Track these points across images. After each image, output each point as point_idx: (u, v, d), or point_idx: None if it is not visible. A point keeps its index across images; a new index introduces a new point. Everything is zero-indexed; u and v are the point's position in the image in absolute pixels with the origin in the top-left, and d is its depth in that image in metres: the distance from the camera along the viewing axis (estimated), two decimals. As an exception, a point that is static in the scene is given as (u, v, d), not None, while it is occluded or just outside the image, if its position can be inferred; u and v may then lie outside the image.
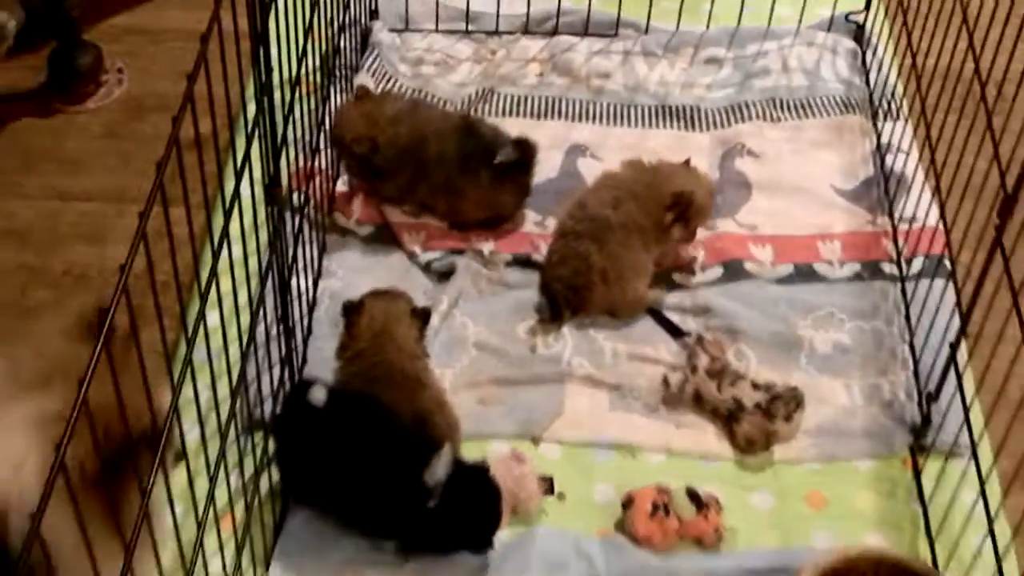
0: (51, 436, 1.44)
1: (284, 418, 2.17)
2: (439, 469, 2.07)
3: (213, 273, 1.65)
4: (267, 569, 2.15)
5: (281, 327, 2.24)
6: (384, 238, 2.77)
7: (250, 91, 1.90)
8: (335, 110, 2.76)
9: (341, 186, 2.85)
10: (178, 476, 1.66)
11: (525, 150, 2.75)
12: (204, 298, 1.63)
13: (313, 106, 2.63)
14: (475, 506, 2.11)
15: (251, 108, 1.91)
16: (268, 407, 2.24)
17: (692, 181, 2.66)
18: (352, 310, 2.33)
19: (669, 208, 2.60)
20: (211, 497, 1.77)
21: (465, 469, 2.13)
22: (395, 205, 2.80)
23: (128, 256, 1.30)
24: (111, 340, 1.30)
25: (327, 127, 2.73)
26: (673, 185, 2.61)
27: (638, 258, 2.58)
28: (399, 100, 2.86)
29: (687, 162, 2.73)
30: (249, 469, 2.07)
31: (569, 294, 2.55)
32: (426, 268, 2.70)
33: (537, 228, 2.80)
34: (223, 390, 1.82)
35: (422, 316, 2.36)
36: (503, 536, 2.18)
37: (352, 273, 2.66)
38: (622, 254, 2.56)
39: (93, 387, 1.25)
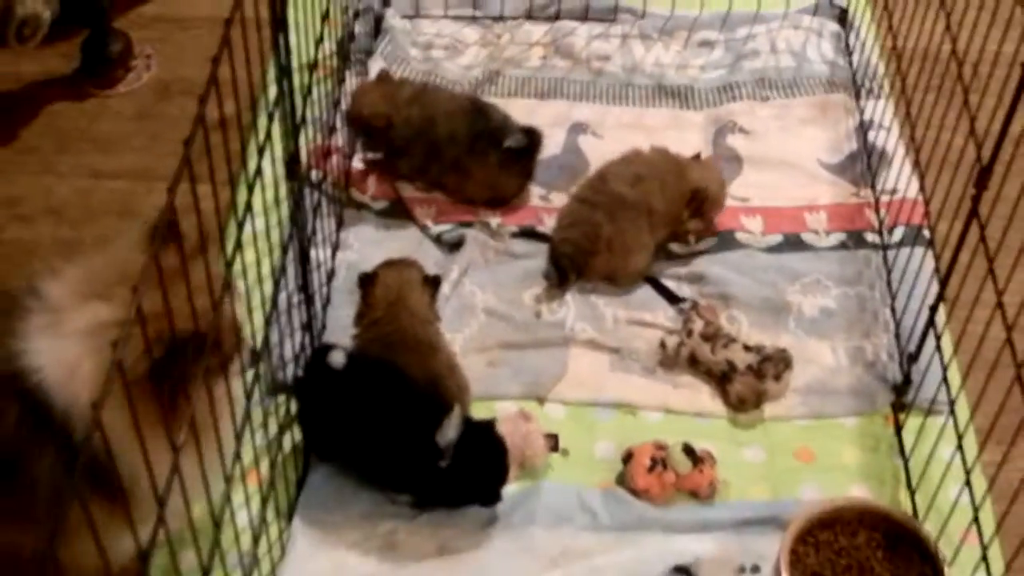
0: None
1: (306, 379, 2.18)
2: (450, 430, 2.08)
3: (238, 245, 1.66)
4: (290, 521, 2.16)
5: (302, 295, 2.24)
6: (397, 212, 2.77)
7: (271, 75, 1.90)
8: (353, 90, 2.76)
9: (357, 163, 2.85)
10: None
11: (532, 137, 2.76)
12: (229, 267, 1.63)
13: (330, 88, 2.63)
14: (484, 463, 2.13)
15: (272, 91, 1.91)
16: (290, 371, 2.25)
17: (706, 176, 2.65)
18: (367, 281, 2.34)
19: (688, 204, 2.60)
20: (237, 455, 1.78)
21: (473, 428, 2.14)
22: (408, 182, 2.80)
23: (157, 224, 1.31)
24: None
25: (344, 107, 2.73)
26: (690, 181, 2.61)
27: (643, 237, 2.58)
28: (414, 84, 2.86)
29: (697, 156, 2.72)
30: (273, 428, 2.09)
31: (576, 255, 2.55)
32: (437, 240, 2.70)
33: (542, 202, 2.80)
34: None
35: (433, 283, 2.37)
36: (511, 490, 2.19)
37: (367, 245, 2.67)
38: (629, 230, 2.55)
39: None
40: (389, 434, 2.09)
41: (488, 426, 2.16)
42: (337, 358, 2.14)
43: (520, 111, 2.86)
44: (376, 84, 2.77)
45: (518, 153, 2.74)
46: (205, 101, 1.47)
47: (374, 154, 2.81)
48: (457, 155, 2.71)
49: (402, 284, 2.32)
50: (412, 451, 2.09)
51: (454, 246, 2.68)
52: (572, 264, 2.55)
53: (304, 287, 2.24)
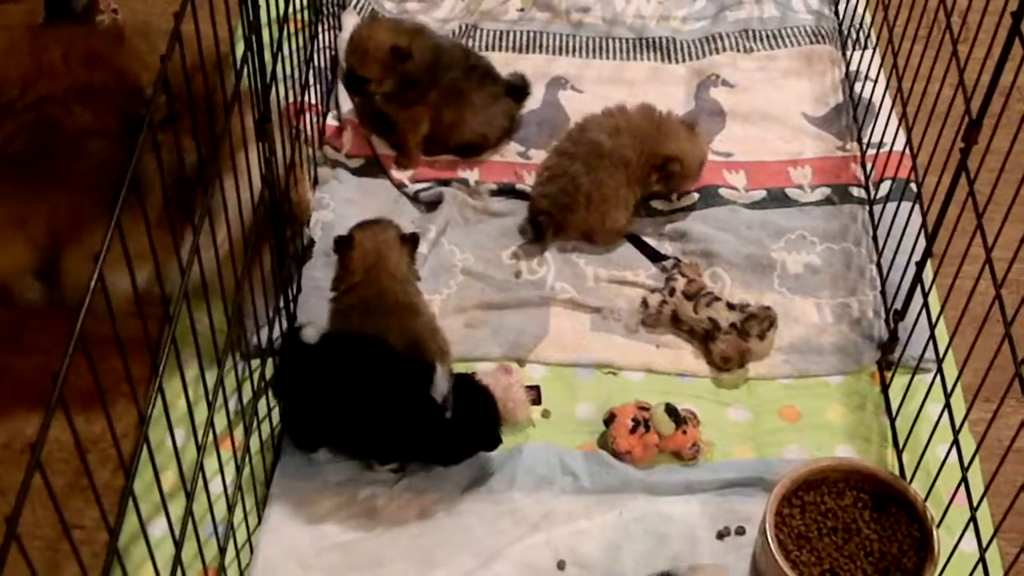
0: None
1: (283, 370, 2.11)
2: (442, 383, 2.07)
3: (205, 210, 1.63)
4: (267, 489, 2.14)
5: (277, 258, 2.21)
6: (373, 170, 2.74)
7: (239, 32, 1.86)
8: (355, 32, 2.69)
9: (331, 120, 2.82)
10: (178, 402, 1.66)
11: (526, 82, 2.81)
12: (197, 231, 1.60)
13: (301, 43, 2.59)
14: (478, 408, 2.11)
15: (240, 48, 1.87)
16: (264, 335, 2.22)
17: (687, 148, 2.62)
18: (344, 244, 2.30)
19: (656, 168, 2.57)
20: (210, 422, 1.76)
21: (456, 380, 2.12)
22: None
23: (120, 196, 1.28)
24: None
25: (316, 64, 2.69)
26: (667, 148, 2.58)
27: (620, 191, 2.55)
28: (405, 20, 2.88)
29: (692, 126, 2.69)
30: (247, 394, 2.06)
31: (554, 210, 2.53)
32: (414, 198, 2.68)
33: (520, 159, 2.77)
34: (220, 319, 1.80)
35: (411, 241, 2.34)
36: (492, 452, 2.19)
37: (343, 204, 2.64)
38: (607, 182, 2.53)
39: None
40: (381, 404, 2.06)
41: (468, 376, 2.15)
42: (310, 333, 2.11)
43: (497, 66, 2.83)
44: (375, 22, 2.75)
45: (514, 92, 2.77)
46: (168, 57, 1.44)
47: (373, 100, 2.74)
48: (454, 81, 2.70)
49: (380, 246, 2.29)
50: (415, 415, 2.07)
51: (431, 204, 2.65)
52: (550, 220, 2.53)
53: (279, 248, 2.21)
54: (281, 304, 2.25)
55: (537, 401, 2.30)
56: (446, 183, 2.68)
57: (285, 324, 2.29)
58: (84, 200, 2.01)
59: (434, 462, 2.16)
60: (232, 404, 1.91)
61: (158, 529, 1.72)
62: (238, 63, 1.83)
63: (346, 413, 2.08)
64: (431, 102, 2.69)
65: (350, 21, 3.01)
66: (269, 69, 1.97)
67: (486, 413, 2.12)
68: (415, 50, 2.63)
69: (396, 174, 2.71)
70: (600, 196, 2.53)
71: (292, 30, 2.35)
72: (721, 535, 2.10)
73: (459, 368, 2.29)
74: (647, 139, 2.57)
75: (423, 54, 2.65)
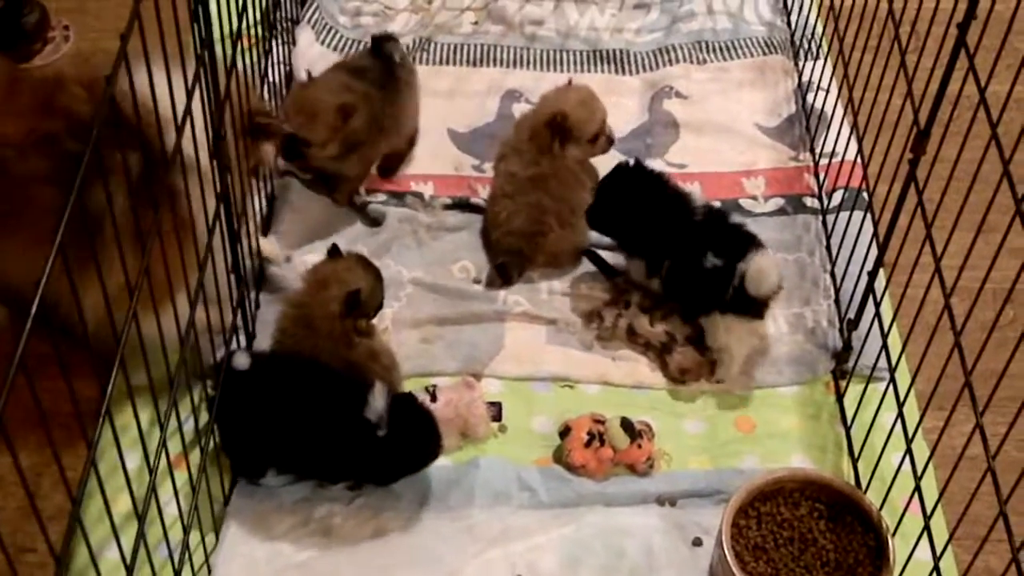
0: None
1: (223, 397, 2.09)
2: (378, 401, 2.06)
3: (157, 231, 1.61)
4: (225, 508, 2.12)
5: (233, 276, 2.18)
6: (319, 187, 2.71)
7: (190, 49, 1.83)
8: (289, 55, 2.72)
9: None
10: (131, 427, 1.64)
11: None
12: (146, 253, 1.58)
13: (254, 60, 2.57)
14: (415, 427, 2.10)
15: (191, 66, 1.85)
16: (220, 353, 2.20)
17: (560, 102, 2.59)
18: (331, 253, 2.28)
19: (553, 136, 2.55)
20: (163, 444, 1.74)
21: (395, 400, 2.11)
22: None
23: (63, 218, 1.26)
24: None
25: (271, 79, 2.67)
26: (545, 112, 2.56)
27: (584, 193, 2.55)
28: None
29: (569, 82, 2.67)
30: (203, 415, 2.04)
31: (524, 244, 2.50)
32: (360, 209, 2.65)
33: (475, 172, 2.76)
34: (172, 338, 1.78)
35: (348, 300, 2.19)
36: (448, 467, 2.18)
37: (289, 212, 2.63)
38: (571, 197, 2.53)
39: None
40: (316, 424, 2.06)
41: (407, 395, 2.15)
42: (241, 360, 2.10)
43: (452, 79, 2.82)
44: (308, 85, 2.61)
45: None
46: (114, 77, 1.43)
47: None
48: (380, 106, 2.61)
49: (330, 277, 2.23)
50: (350, 435, 2.06)
51: (375, 221, 2.63)
52: (516, 260, 2.51)
53: (236, 267, 2.18)
54: (239, 321, 2.23)
55: (498, 417, 2.29)
56: (400, 196, 2.67)
57: (243, 341, 2.28)
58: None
59: (369, 481, 2.15)
60: (188, 425, 1.89)
61: (114, 554, 1.69)
62: (190, 83, 1.80)
63: (285, 436, 2.07)
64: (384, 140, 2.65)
65: (305, 36, 3.00)
66: (223, 87, 1.95)
67: (425, 431, 2.11)
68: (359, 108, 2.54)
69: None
70: (569, 210, 2.52)
71: (245, 46, 2.33)
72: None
73: (416, 383, 2.29)
74: (540, 109, 2.57)
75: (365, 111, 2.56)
